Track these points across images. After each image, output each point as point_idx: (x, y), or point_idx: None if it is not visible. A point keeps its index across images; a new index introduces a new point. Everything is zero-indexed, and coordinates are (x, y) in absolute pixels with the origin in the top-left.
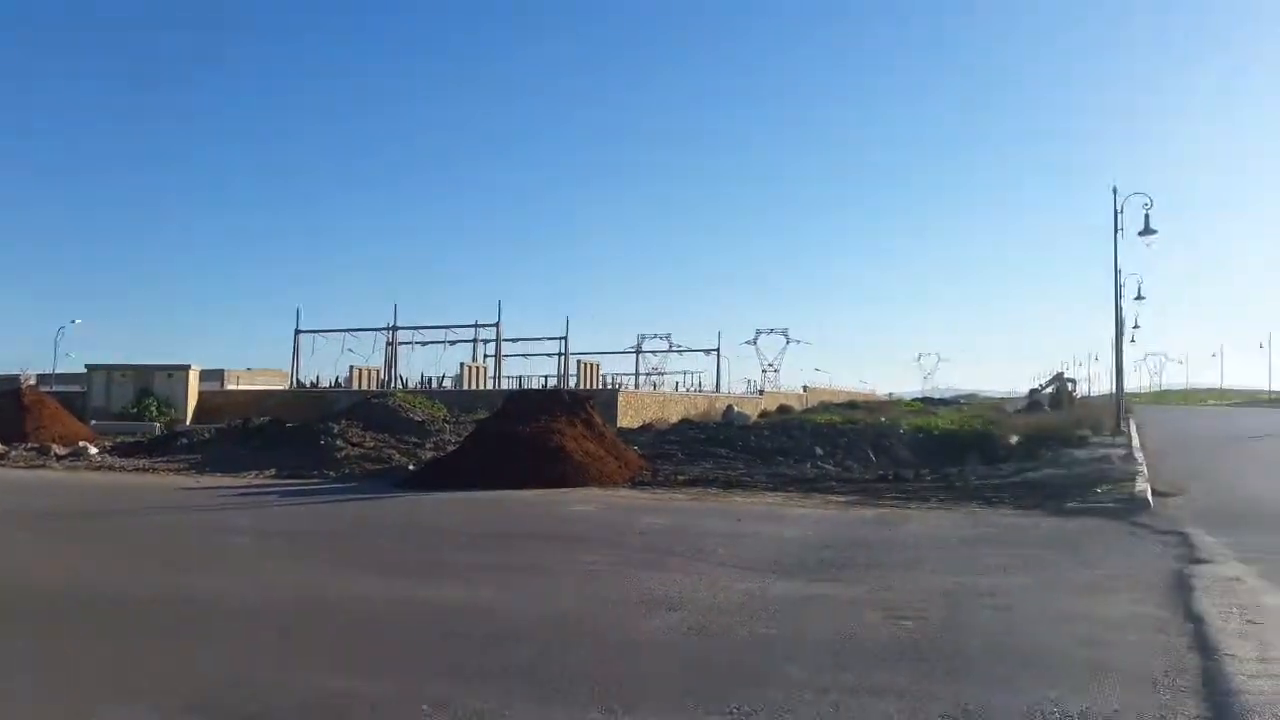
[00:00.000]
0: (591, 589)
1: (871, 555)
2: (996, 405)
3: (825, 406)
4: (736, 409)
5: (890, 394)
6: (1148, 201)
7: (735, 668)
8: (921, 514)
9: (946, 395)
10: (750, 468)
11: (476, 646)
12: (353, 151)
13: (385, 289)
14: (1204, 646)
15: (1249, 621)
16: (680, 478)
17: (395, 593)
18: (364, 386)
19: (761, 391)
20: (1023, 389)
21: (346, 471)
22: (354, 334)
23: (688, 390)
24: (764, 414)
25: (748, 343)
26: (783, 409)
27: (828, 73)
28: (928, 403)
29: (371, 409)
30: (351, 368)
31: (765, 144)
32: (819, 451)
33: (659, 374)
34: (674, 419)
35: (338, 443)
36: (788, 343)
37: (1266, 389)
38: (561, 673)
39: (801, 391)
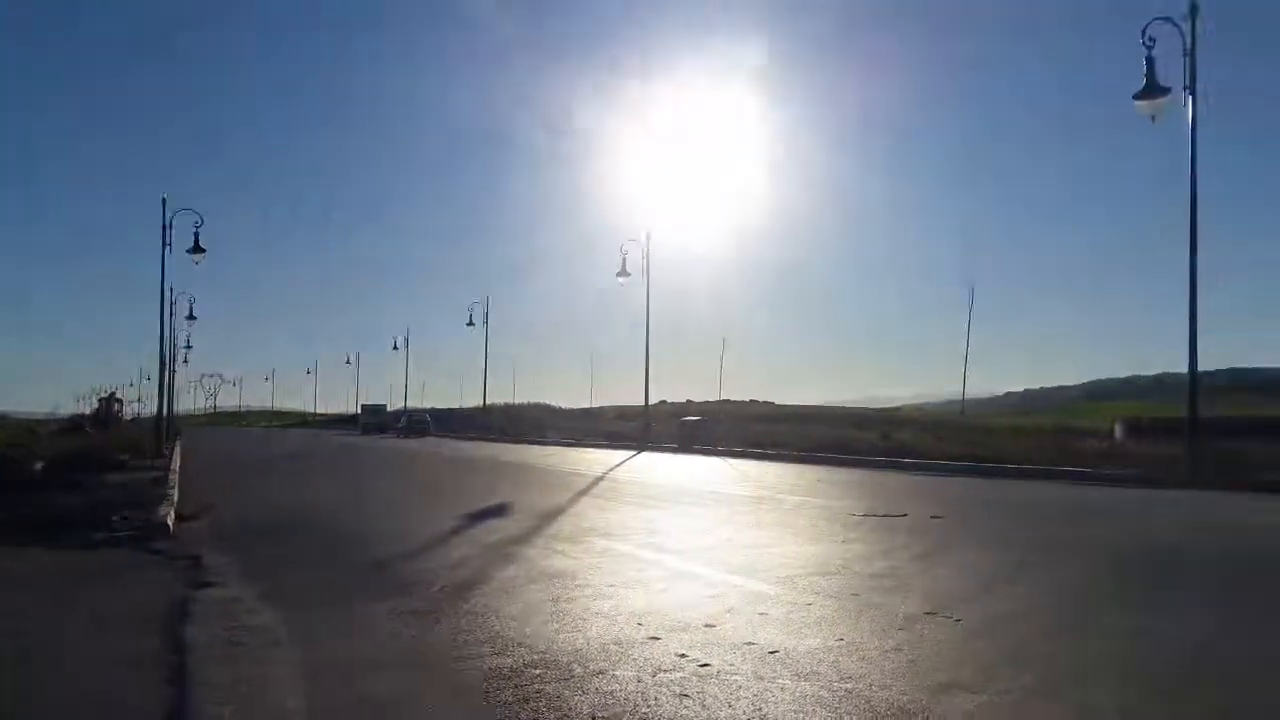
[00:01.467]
0: None
1: None
2: (32, 427)
3: None
4: None
5: None
6: (198, 219)
7: None
8: None
9: None
10: None
11: None
12: None
13: None
14: (182, 678)
15: (235, 644)
16: None
17: None
18: None
19: None
20: (68, 409)
21: None
22: None
23: None
24: None
25: None
26: None
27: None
28: None
29: None
30: None
31: None
32: None
33: None
34: None
35: None
36: None
37: (314, 410)
38: None
39: None
